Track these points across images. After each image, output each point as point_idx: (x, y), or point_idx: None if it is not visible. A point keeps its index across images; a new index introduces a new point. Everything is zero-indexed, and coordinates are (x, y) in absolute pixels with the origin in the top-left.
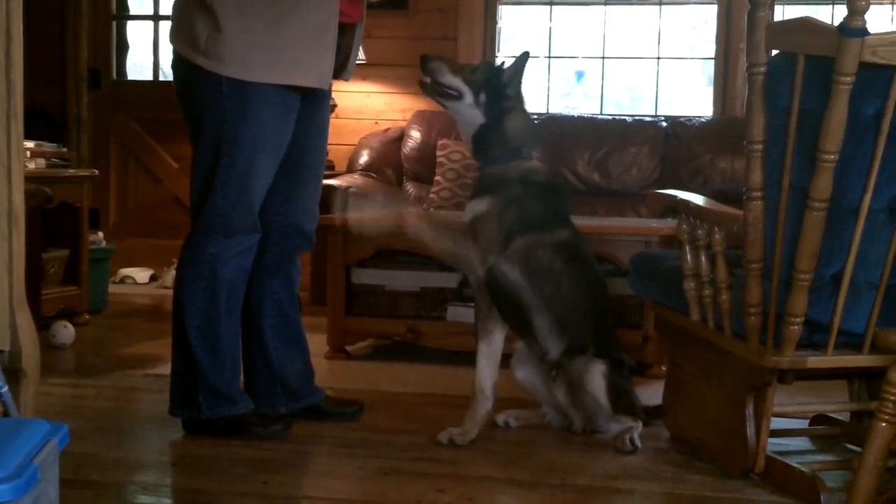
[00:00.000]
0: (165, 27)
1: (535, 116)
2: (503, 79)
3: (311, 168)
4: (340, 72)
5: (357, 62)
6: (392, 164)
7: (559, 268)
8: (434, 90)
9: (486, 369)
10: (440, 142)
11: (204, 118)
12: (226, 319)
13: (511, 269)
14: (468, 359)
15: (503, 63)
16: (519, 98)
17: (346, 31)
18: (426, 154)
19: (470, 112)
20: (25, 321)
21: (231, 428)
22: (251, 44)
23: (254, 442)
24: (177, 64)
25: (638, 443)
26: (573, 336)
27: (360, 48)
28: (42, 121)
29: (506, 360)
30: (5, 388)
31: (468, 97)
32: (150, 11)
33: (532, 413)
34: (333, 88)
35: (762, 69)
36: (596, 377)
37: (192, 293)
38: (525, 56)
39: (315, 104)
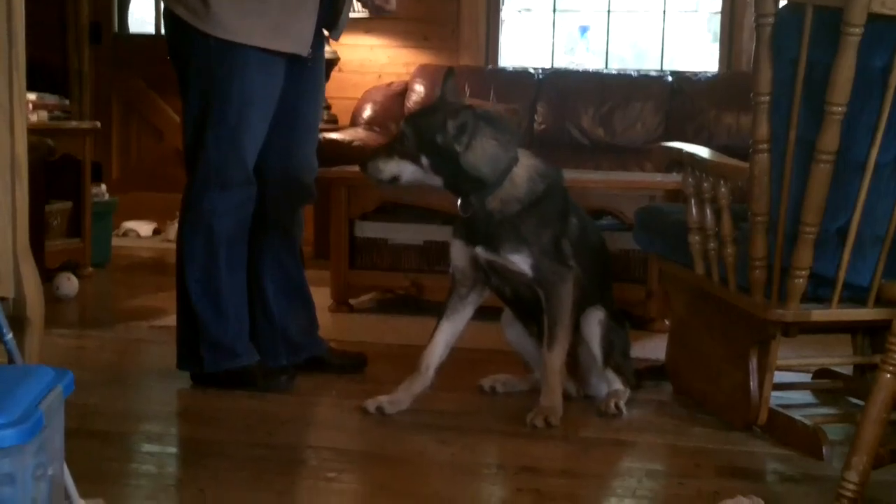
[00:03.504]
0: None
1: (540, 71)
2: (437, 131)
3: (307, 125)
4: (331, 31)
5: (358, 15)
6: (395, 119)
7: (579, 248)
8: (387, 187)
9: (439, 347)
10: None
11: (194, 74)
12: (227, 274)
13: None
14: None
15: (439, 99)
16: (474, 124)
17: None
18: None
19: (427, 179)
20: (29, 270)
21: (235, 380)
22: (237, 8)
23: (258, 394)
24: (168, 22)
25: (623, 407)
26: (583, 303)
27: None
28: (44, 74)
29: (496, 314)
30: (10, 336)
31: (409, 170)
32: None
33: (519, 380)
34: (339, 42)
35: (770, 20)
36: (592, 323)
37: (190, 249)
38: (449, 76)
39: (305, 65)
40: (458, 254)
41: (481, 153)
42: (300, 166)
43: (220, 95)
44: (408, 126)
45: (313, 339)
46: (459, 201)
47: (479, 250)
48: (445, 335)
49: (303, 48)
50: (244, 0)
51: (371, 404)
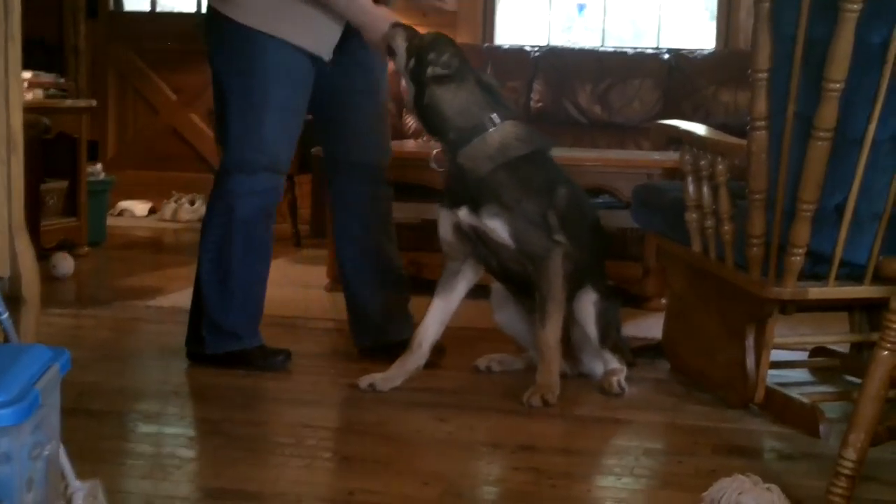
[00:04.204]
0: None
1: (537, 49)
2: (437, 51)
3: (367, 115)
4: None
5: None
6: (393, 97)
7: (569, 222)
8: (388, 52)
9: (434, 325)
10: None
11: (222, 60)
12: (242, 259)
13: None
14: (470, 291)
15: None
16: (461, 73)
17: None
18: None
19: (405, 79)
20: (25, 247)
21: (233, 360)
22: (267, 2)
23: (255, 373)
24: (207, 13)
25: (625, 385)
26: (575, 280)
27: None
28: (40, 50)
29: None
30: (6, 315)
31: (399, 60)
32: None
33: (515, 359)
34: None
35: None
36: (586, 305)
37: (209, 228)
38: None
39: (354, 59)
40: (444, 222)
41: (450, 98)
42: (367, 152)
43: (242, 81)
44: (425, 36)
45: (399, 324)
46: (433, 153)
47: (462, 213)
48: (439, 313)
49: (324, 52)
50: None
51: (364, 381)
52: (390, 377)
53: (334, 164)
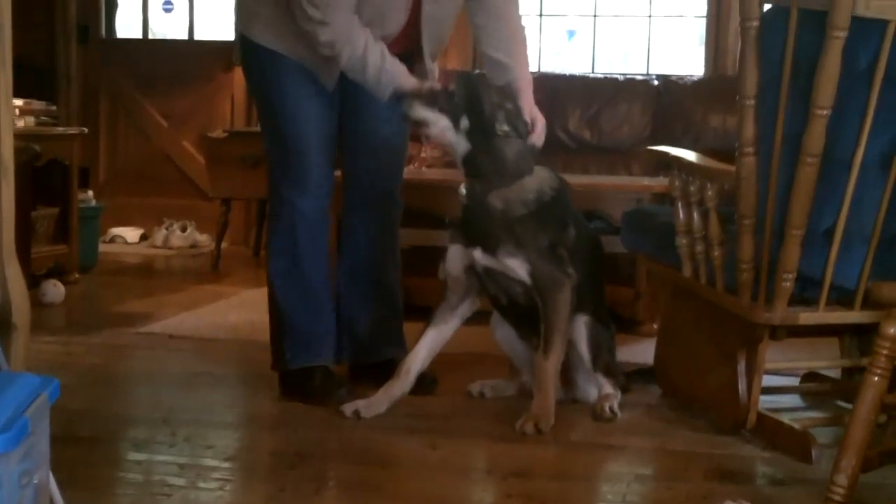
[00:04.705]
0: None
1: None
2: (491, 102)
3: (377, 143)
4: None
5: None
6: None
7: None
8: (413, 125)
9: (423, 353)
10: None
11: (252, 79)
12: (312, 261)
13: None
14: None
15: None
16: (513, 121)
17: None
18: None
19: (454, 142)
20: (15, 274)
21: (303, 382)
22: (279, 27)
23: (245, 396)
24: (238, 41)
25: (617, 411)
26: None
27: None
28: (31, 75)
29: (483, 317)
30: None
31: (443, 124)
32: None
33: (508, 384)
34: None
35: (755, 23)
36: (578, 326)
37: (274, 234)
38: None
39: (359, 91)
40: (455, 259)
41: (513, 145)
42: (383, 171)
43: (269, 96)
44: (461, 84)
45: (389, 344)
46: (463, 186)
47: (477, 254)
48: (430, 343)
49: (328, 82)
50: (285, 22)
51: (348, 408)
52: (374, 403)
53: (350, 180)
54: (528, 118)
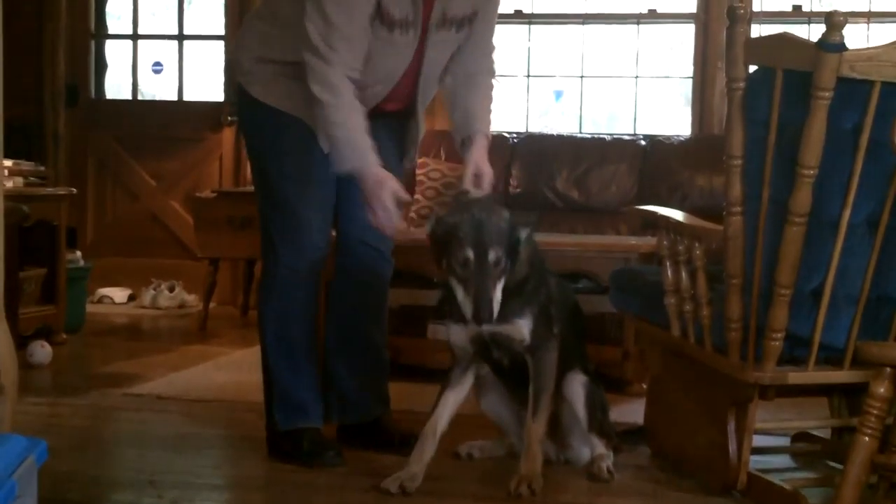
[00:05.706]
0: (144, 47)
1: (515, 135)
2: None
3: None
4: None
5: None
6: None
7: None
8: None
9: (445, 415)
10: (419, 160)
11: (253, 138)
12: (302, 320)
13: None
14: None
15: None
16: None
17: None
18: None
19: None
20: (3, 334)
21: (293, 444)
22: (278, 86)
23: (233, 459)
24: (237, 96)
25: (613, 470)
26: (563, 361)
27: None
28: (20, 136)
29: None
30: None
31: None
32: (129, 31)
33: (495, 444)
34: None
35: (741, 84)
36: (576, 386)
37: (267, 295)
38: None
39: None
40: (459, 336)
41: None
42: (371, 240)
43: (268, 154)
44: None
45: (377, 405)
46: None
47: (485, 325)
48: (451, 405)
49: (325, 144)
50: (284, 81)
51: (392, 485)
52: (416, 475)
53: (344, 239)
54: (475, 171)
